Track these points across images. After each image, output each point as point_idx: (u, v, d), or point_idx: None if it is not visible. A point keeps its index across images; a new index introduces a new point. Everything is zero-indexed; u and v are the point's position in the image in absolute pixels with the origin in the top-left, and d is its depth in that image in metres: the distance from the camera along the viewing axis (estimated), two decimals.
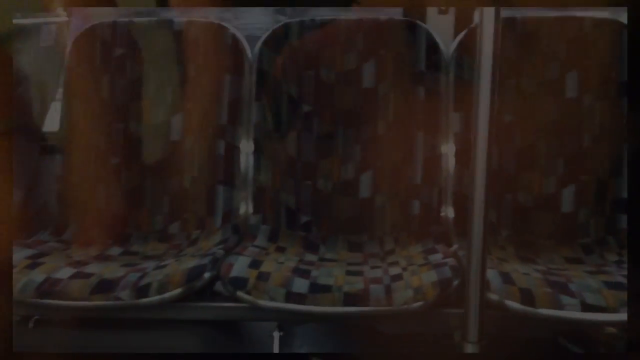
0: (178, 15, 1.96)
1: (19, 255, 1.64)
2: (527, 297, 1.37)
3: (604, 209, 1.76)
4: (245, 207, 1.86)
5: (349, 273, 1.55)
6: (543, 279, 1.45)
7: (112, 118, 1.91)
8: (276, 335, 1.55)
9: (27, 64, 2.08)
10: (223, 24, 1.93)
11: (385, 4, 1.84)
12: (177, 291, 1.47)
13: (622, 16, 1.78)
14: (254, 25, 2.10)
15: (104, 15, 1.97)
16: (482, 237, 1.24)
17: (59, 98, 2.02)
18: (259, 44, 1.90)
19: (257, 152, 1.86)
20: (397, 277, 1.49)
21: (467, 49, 1.82)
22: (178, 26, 1.93)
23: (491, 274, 1.43)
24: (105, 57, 1.93)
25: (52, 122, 2.03)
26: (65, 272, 1.55)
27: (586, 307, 1.34)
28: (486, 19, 1.17)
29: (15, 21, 1.94)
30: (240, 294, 1.46)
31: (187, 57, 1.91)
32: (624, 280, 1.44)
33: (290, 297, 1.44)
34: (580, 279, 1.45)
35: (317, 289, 1.45)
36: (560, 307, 1.35)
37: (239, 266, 1.53)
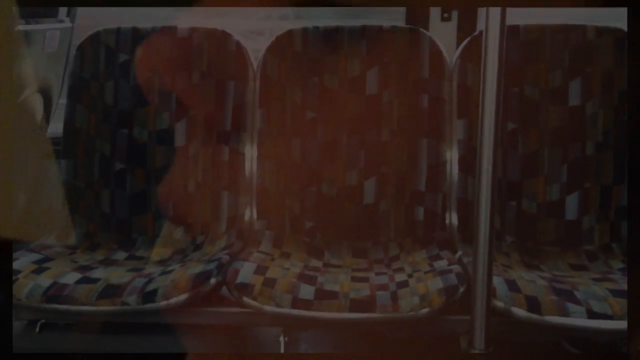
0: (182, 22, 1.97)
1: (25, 260, 1.65)
2: (533, 304, 1.38)
3: (608, 216, 1.77)
4: (249, 213, 1.86)
5: (354, 279, 1.56)
6: (549, 287, 1.45)
7: (117, 123, 1.92)
8: (282, 340, 1.55)
9: (31, 69, 2.08)
10: (227, 30, 1.94)
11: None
12: (184, 296, 1.47)
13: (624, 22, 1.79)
14: None
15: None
16: (488, 244, 1.25)
17: (62, 103, 2.02)
18: (262, 51, 1.91)
19: (261, 157, 1.87)
20: (403, 284, 1.50)
21: (471, 56, 1.84)
22: (182, 33, 1.93)
23: (497, 281, 1.43)
24: (109, 63, 1.94)
25: (56, 127, 2.04)
26: (71, 277, 1.56)
27: (592, 315, 1.35)
28: (492, 24, 1.18)
29: (20, 27, 1.94)
30: (246, 299, 1.47)
31: (191, 64, 1.91)
32: None
33: (297, 303, 1.44)
34: (586, 287, 1.46)
35: (323, 295, 1.45)
36: (567, 314, 1.36)
37: (245, 272, 1.53)
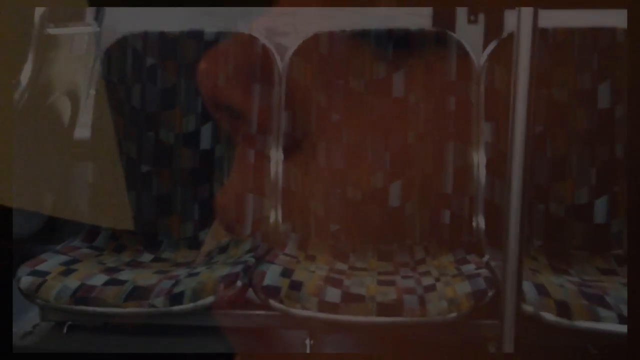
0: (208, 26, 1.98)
1: (53, 262, 1.66)
2: (563, 309, 1.37)
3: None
4: (274, 215, 1.86)
5: (380, 283, 1.55)
6: (578, 291, 1.44)
7: (143, 126, 1.93)
8: (308, 343, 1.55)
9: (59, 72, 2.10)
10: (253, 34, 1.94)
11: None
12: (210, 299, 1.48)
13: None
14: None
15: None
16: (518, 248, 1.23)
17: (90, 106, 2.04)
18: (289, 54, 1.91)
19: (287, 160, 1.87)
20: (431, 288, 1.49)
21: (498, 58, 1.82)
22: (208, 37, 1.94)
23: (526, 286, 1.42)
24: (136, 66, 1.95)
25: (83, 130, 2.06)
26: (99, 279, 1.57)
27: (623, 320, 1.33)
28: (523, 25, 1.16)
29: (48, 31, 1.96)
30: (273, 302, 1.47)
31: (217, 67, 1.92)
32: None
33: (323, 306, 1.44)
34: (616, 291, 1.44)
35: (350, 299, 1.45)
36: (597, 319, 1.34)
37: (272, 275, 1.53)
